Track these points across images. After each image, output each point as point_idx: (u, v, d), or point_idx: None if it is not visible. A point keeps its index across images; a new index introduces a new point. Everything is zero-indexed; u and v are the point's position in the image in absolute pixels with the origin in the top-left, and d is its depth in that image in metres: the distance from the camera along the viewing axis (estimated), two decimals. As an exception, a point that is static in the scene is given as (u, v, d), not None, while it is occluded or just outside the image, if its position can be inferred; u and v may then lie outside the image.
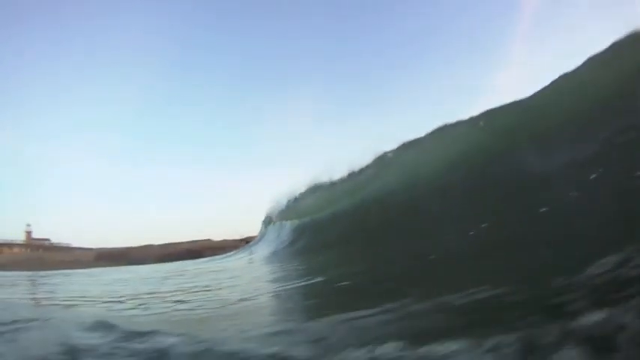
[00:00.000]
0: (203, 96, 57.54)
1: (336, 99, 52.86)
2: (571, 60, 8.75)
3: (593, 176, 4.80)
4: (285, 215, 15.41)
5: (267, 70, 55.91)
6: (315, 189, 14.93)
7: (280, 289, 6.03)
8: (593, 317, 1.85)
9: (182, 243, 27.15)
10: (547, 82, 8.59)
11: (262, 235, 16.42)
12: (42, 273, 17.96)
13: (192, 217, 51.71)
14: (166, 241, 28.99)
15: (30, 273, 18.87)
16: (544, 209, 4.71)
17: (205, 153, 58.54)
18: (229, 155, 56.75)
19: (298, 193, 16.40)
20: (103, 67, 56.55)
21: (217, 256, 16.91)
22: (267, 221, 17.66)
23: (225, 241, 24.83)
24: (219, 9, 52.59)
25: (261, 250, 13.35)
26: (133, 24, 51.84)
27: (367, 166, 12.44)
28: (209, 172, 55.27)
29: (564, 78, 8.18)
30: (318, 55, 52.71)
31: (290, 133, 51.38)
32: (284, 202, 17.13)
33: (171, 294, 6.64)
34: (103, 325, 3.28)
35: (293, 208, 15.69)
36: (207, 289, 6.96)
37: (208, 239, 27.04)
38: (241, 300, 5.23)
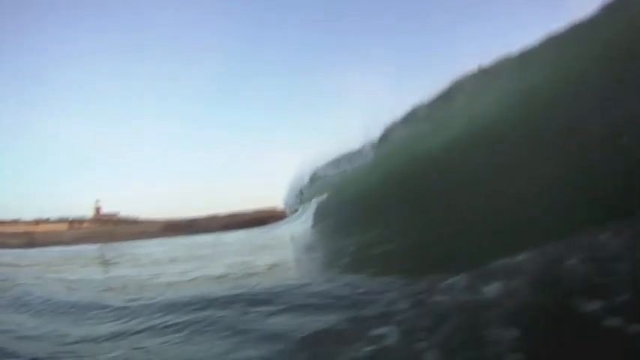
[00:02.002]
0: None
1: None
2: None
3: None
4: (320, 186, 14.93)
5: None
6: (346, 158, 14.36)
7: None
8: None
9: (247, 212, 27.72)
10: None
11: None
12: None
13: (256, 188, 54.34)
14: (232, 211, 30.01)
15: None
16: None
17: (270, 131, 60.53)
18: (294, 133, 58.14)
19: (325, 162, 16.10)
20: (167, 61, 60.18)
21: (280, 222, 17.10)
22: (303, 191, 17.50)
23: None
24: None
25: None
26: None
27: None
28: (273, 145, 57.99)
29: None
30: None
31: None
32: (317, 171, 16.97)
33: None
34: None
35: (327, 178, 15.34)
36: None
37: (273, 208, 27.15)
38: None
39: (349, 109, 44.86)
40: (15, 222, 36.33)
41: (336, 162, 15.18)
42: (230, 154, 63.51)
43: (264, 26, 60.37)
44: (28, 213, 37.94)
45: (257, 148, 61.57)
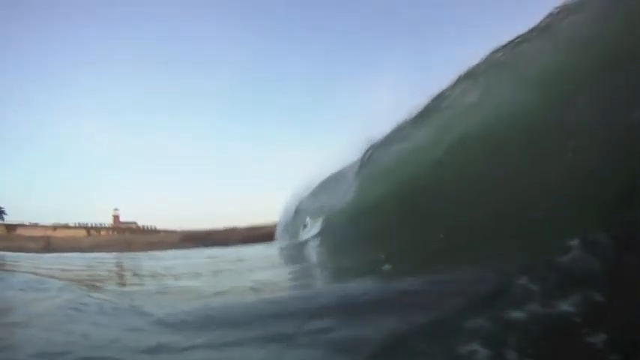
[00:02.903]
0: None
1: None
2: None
3: None
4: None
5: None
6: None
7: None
8: None
9: (267, 226, 27.40)
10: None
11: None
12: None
13: (277, 202, 53.68)
14: (251, 224, 29.95)
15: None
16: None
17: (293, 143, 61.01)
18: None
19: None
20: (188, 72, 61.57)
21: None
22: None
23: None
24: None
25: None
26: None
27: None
28: (295, 157, 57.04)
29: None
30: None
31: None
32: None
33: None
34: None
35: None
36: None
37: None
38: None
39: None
40: (34, 226, 36.83)
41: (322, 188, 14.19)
42: (251, 166, 63.82)
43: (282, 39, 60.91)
44: (47, 218, 38.35)
45: (279, 160, 61.54)
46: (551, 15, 6.71)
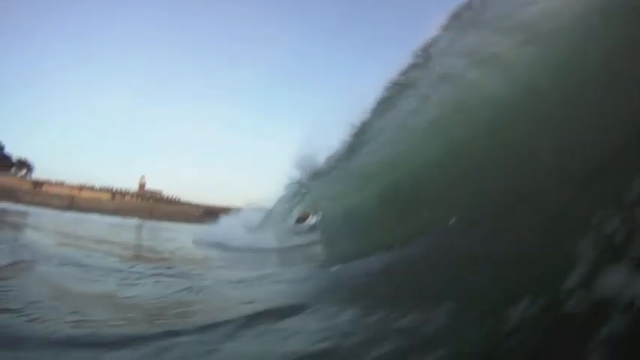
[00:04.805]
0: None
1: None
2: None
3: None
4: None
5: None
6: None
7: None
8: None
9: None
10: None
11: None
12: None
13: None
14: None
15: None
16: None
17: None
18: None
19: None
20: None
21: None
22: None
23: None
24: None
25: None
26: None
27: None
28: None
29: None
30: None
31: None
32: None
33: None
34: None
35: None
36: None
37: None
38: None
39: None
40: (60, 184, 36.58)
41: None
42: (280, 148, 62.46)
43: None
44: (74, 177, 37.99)
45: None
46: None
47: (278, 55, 66.62)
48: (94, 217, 19.12)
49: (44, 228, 9.07)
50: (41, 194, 33.22)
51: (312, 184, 9.69)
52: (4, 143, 37.70)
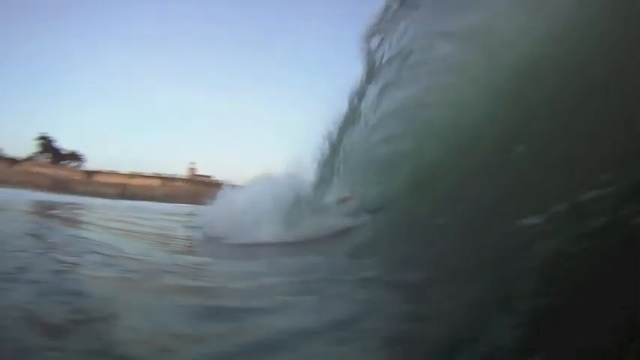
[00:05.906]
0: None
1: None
2: None
3: None
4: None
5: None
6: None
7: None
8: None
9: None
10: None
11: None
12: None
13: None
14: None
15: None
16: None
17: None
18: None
19: None
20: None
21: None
22: None
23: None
24: None
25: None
26: None
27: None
28: None
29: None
30: None
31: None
32: None
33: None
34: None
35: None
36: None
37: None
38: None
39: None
40: (112, 173, 36.60)
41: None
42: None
43: None
44: (124, 165, 37.86)
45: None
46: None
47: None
48: (149, 205, 18.04)
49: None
50: (93, 184, 33.10)
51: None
52: (55, 137, 37.93)
